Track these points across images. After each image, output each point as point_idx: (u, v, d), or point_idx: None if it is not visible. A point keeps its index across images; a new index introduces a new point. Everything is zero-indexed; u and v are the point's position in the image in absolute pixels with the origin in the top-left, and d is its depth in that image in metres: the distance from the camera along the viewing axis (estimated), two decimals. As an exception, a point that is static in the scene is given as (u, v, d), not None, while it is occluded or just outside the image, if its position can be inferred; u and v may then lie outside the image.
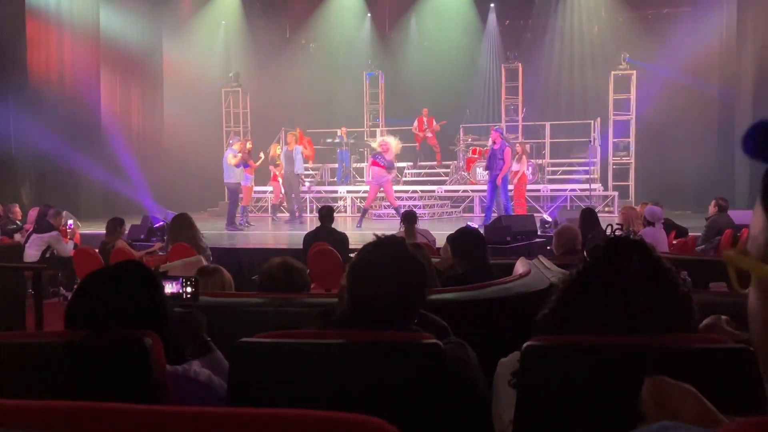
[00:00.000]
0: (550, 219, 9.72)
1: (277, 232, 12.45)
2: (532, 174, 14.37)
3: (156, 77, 17.47)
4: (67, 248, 7.98)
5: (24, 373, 1.59)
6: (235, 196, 12.07)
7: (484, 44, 18.33)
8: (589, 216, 6.43)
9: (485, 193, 12.34)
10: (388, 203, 14.42)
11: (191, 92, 17.15)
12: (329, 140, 16.20)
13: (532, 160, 14.90)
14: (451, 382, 1.63)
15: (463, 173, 15.08)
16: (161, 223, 8.79)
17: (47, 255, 7.89)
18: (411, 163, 16.40)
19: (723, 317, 1.64)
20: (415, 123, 15.98)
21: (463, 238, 3.98)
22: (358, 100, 18.05)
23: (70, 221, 8.76)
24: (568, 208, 13.05)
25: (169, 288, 2.08)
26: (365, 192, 15.26)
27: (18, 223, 9.33)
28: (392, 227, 9.31)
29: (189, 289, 2.08)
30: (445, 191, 14.97)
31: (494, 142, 11.56)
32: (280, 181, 13.59)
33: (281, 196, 13.74)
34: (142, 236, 8.50)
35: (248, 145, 12.67)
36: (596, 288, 1.49)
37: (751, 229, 0.73)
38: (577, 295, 1.51)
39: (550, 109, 16.92)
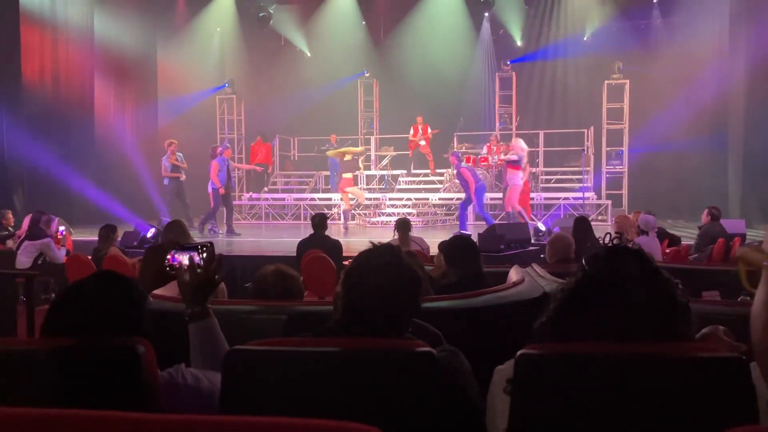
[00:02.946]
0: (543, 228, 9.73)
1: (270, 240, 12.44)
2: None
3: (150, 84, 17.45)
4: (60, 255, 7.95)
5: (15, 380, 1.57)
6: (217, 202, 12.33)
7: (478, 53, 18.41)
8: (582, 225, 6.44)
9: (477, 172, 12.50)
10: (382, 211, 14.46)
11: (185, 99, 17.15)
12: (323, 148, 16.22)
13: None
14: (444, 390, 1.63)
15: (456, 181, 15.10)
16: (153, 228, 8.77)
17: (39, 262, 7.85)
18: (404, 171, 16.43)
19: (721, 328, 1.64)
20: (411, 131, 16.04)
21: (456, 246, 3.98)
22: (353, 108, 18.08)
23: (62, 228, 8.72)
24: (561, 216, 13.08)
25: (185, 260, 2.03)
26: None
27: (10, 229, 9.28)
28: (386, 235, 9.32)
29: (205, 255, 2.02)
30: (439, 199, 14.99)
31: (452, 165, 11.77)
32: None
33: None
34: (135, 243, 8.47)
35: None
36: (595, 297, 1.49)
37: (767, 228, 0.73)
38: (576, 303, 1.51)
39: (543, 118, 16.99)
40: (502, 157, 12.70)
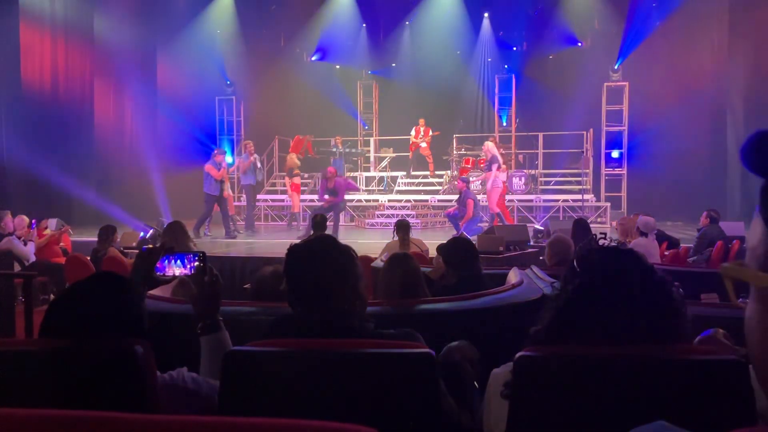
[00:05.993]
0: (542, 228, 9.73)
1: (269, 241, 12.42)
2: (525, 184, 14.42)
3: (150, 84, 17.45)
4: (27, 250, 7.85)
5: (13, 380, 1.57)
6: (209, 207, 11.87)
7: (477, 55, 18.42)
8: (581, 227, 6.43)
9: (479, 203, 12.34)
10: (381, 212, 14.46)
11: (185, 100, 17.14)
12: (324, 149, 16.23)
13: (525, 171, 14.96)
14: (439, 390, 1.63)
15: (456, 183, 15.08)
16: (152, 230, 8.77)
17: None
18: (404, 173, 16.44)
19: (720, 330, 1.64)
20: (413, 132, 16.05)
21: (455, 247, 3.97)
22: (352, 109, 18.09)
23: (36, 222, 8.67)
24: (560, 218, 13.08)
25: (177, 270, 2.02)
26: (358, 201, 15.28)
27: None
28: (386, 236, 9.32)
29: (196, 263, 2.01)
30: (438, 201, 14.99)
31: (459, 191, 11.57)
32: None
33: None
34: (134, 244, 8.47)
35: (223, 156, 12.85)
36: (590, 299, 1.48)
37: (749, 241, 0.73)
38: (571, 308, 1.50)
39: (542, 120, 16.99)
40: (483, 168, 12.72)
